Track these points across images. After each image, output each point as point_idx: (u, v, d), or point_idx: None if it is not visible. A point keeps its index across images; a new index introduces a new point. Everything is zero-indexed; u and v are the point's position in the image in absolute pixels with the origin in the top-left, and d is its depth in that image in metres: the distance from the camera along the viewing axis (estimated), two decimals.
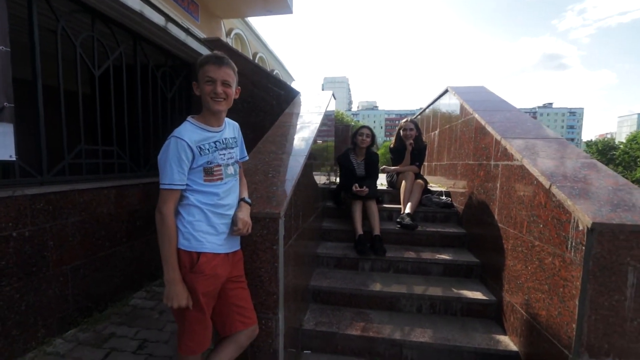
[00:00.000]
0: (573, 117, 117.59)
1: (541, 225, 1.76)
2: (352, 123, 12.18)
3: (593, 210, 1.44)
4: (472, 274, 2.65)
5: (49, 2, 2.32)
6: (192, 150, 1.26)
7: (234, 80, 1.35)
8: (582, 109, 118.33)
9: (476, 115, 2.83)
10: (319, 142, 3.14)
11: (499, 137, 2.36)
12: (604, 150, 42.65)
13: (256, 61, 12.97)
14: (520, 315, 1.94)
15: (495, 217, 2.35)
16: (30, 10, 2.20)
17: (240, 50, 11.62)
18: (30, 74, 2.23)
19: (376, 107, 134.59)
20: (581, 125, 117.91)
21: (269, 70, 14.64)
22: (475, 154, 2.84)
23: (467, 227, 2.99)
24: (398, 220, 3.10)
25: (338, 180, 3.51)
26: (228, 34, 10.32)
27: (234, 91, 1.37)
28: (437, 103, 4.51)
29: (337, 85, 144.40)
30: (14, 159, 2.10)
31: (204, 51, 3.95)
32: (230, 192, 1.40)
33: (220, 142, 1.36)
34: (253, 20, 11.56)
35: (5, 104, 2.05)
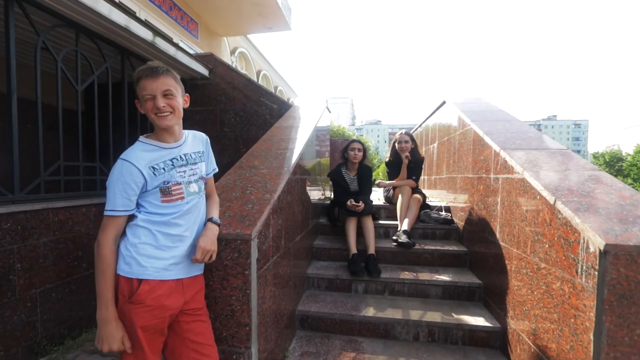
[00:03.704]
0: (578, 129, 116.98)
1: (547, 246, 1.57)
2: (354, 137, 12.08)
3: (605, 229, 1.26)
4: (475, 297, 2.43)
5: (28, 17, 2.27)
6: (142, 173, 1.14)
7: (177, 88, 1.20)
8: (587, 120, 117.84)
9: (474, 126, 2.68)
10: (311, 156, 3.01)
11: (498, 149, 2.20)
12: (612, 162, 41.99)
13: (260, 78, 13.14)
14: (527, 346, 1.72)
15: (497, 235, 2.16)
16: (7, 24, 2.15)
17: (244, 68, 11.81)
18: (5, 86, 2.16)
19: (379, 121, 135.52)
20: (587, 137, 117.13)
21: (272, 86, 14.89)
22: (475, 166, 2.67)
23: (468, 245, 2.79)
24: (394, 237, 2.92)
25: (332, 196, 3.35)
26: (232, 52, 10.48)
27: (180, 101, 1.22)
28: (435, 115, 4.39)
29: (340, 101, 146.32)
30: None
31: (196, 66, 3.91)
32: (190, 211, 1.25)
33: (178, 159, 1.23)
34: (257, 40, 11.77)
35: None
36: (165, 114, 1.18)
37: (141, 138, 1.24)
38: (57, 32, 2.69)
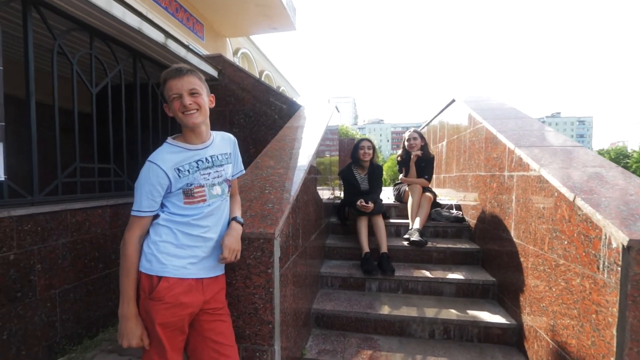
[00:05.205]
0: (582, 126, 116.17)
1: (565, 242, 1.58)
2: (358, 136, 12.09)
3: (628, 224, 1.27)
4: (489, 294, 2.44)
5: (45, 22, 2.30)
6: (167, 176, 1.17)
7: (202, 87, 1.23)
8: (591, 117, 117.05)
9: (486, 124, 2.69)
10: (322, 156, 3.03)
11: (512, 146, 2.20)
12: (617, 159, 41.75)
13: (262, 78, 13.18)
14: (545, 342, 1.73)
15: (512, 232, 2.17)
16: (25, 29, 2.18)
17: (247, 68, 11.85)
18: (24, 91, 2.19)
19: (382, 120, 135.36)
20: (591, 134, 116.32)
21: (275, 86, 14.93)
22: (487, 164, 2.68)
23: (481, 242, 2.79)
24: (406, 236, 2.93)
25: (342, 195, 3.37)
26: (235, 53, 10.53)
27: (206, 100, 1.24)
28: (443, 114, 4.39)
29: (342, 101, 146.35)
30: (3, 178, 2.02)
31: (206, 67, 3.94)
32: (212, 213, 1.26)
33: (203, 161, 1.25)
34: (259, 40, 11.80)
35: None
36: (192, 111, 1.20)
37: (169, 139, 1.26)
38: (71, 36, 2.73)
